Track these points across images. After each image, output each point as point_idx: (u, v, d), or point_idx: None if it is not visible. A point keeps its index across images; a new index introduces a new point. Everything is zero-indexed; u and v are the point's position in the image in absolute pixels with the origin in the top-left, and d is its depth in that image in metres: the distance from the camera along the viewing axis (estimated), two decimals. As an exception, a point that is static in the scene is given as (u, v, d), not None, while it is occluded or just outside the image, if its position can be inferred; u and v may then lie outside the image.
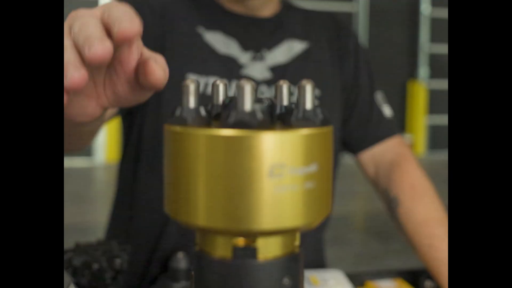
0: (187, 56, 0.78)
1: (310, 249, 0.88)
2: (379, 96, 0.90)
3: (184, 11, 0.82)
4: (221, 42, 0.80)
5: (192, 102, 0.25)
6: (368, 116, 0.88)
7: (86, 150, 5.33)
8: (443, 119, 6.33)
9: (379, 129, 0.88)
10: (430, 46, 6.35)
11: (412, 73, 6.40)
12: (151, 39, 0.75)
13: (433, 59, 6.36)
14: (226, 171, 0.24)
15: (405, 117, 6.36)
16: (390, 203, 0.83)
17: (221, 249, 0.25)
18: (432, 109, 6.32)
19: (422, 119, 6.26)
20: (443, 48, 6.34)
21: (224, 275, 0.26)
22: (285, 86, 0.28)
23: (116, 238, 0.74)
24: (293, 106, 0.27)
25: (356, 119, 0.88)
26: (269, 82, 0.79)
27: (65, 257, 0.53)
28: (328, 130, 0.26)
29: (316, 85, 0.82)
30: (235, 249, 0.25)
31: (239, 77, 0.78)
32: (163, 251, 0.76)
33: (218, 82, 0.28)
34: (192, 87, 0.25)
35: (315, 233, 0.89)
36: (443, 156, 6.10)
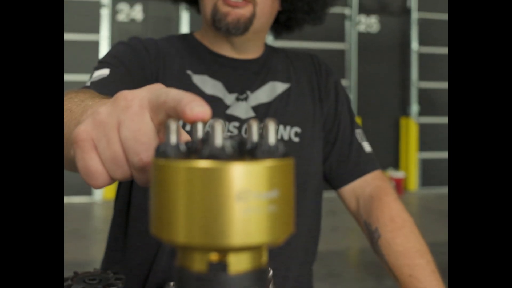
0: None
1: (299, 281, 0.90)
2: (358, 133, 0.95)
3: (175, 55, 0.88)
4: (208, 84, 0.85)
5: (173, 139, 0.30)
6: (348, 152, 0.93)
7: (86, 189, 5.41)
8: (433, 155, 6.40)
9: (359, 164, 0.92)
10: (418, 83, 6.50)
11: (404, 110, 6.51)
12: (148, 78, 0.82)
13: (421, 96, 6.48)
14: (201, 196, 0.28)
15: (399, 154, 6.43)
16: (372, 236, 0.86)
17: (198, 264, 0.30)
18: (423, 145, 6.40)
19: (415, 155, 6.33)
20: (430, 84, 6.47)
21: (200, 287, 0.30)
22: (254, 125, 0.33)
23: (111, 267, 0.77)
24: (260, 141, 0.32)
25: (337, 155, 0.93)
26: None
27: (64, 284, 0.57)
28: (288, 161, 0.31)
29: (297, 123, 0.88)
30: (210, 263, 0.30)
31: (225, 116, 0.83)
32: (155, 280, 0.79)
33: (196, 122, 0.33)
34: (173, 127, 0.30)
35: (304, 266, 0.92)
36: (435, 191, 6.14)
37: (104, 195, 5.51)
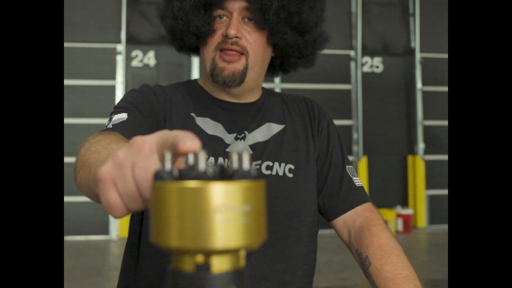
0: None
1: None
2: (349, 169, 1.03)
3: (180, 100, 0.98)
4: (209, 126, 0.95)
5: (168, 166, 0.38)
6: (340, 187, 1.00)
7: (103, 228, 5.61)
8: (441, 192, 6.38)
9: (349, 198, 1.00)
10: (423, 121, 6.56)
11: (410, 148, 6.55)
12: (159, 120, 0.92)
13: (427, 134, 6.53)
14: (189, 209, 0.36)
15: (407, 191, 6.43)
16: (363, 263, 0.93)
17: (187, 265, 0.37)
18: (430, 183, 6.39)
19: (423, 193, 6.33)
20: (435, 122, 6.53)
21: (190, 285, 0.37)
22: (234, 156, 0.41)
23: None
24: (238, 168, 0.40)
25: (329, 190, 1.01)
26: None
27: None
28: (259, 183, 0.39)
29: (291, 160, 0.96)
30: (197, 265, 0.37)
31: (225, 153, 0.92)
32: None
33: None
34: (167, 156, 0.38)
35: (302, 285, 0.98)
36: (443, 227, 6.10)
37: (119, 233, 5.68)
